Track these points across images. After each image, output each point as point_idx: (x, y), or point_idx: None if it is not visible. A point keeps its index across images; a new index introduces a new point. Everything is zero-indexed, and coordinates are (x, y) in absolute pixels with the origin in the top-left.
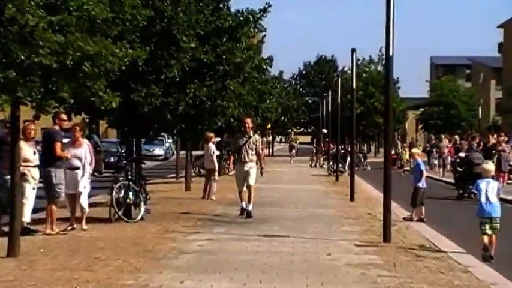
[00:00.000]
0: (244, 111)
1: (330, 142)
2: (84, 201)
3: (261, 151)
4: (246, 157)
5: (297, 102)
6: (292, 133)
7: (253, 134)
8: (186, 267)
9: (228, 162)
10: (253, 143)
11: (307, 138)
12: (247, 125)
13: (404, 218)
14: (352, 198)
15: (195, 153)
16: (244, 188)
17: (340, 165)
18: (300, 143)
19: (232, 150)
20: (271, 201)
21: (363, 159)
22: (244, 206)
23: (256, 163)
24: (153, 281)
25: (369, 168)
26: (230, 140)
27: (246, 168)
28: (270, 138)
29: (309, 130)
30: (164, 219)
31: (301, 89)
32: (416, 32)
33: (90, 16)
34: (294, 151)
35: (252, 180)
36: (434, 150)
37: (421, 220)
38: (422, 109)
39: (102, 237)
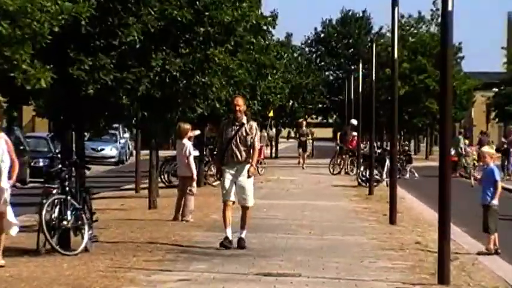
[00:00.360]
0: (235, 92)
1: (358, 137)
2: (11, 218)
3: (257, 144)
4: (238, 155)
5: (313, 80)
6: (304, 124)
7: (248, 121)
8: None
9: (212, 166)
10: (247, 133)
11: (327, 132)
12: (238, 108)
13: (480, 253)
14: (393, 220)
15: (163, 153)
16: (233, 199)
17: (375, 172)
18: (317, 139)
19: (217, 145)
20: (274, 224)
21: (405, 163)
22: (229, 234)
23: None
24: None
25: (417, 175)
26: (214, 135)
27: (237, 173)
28: (273, 131)
29: (330, 120)
30: (118, 251)
31: (318, 60)
32: None
33: None
34: (307, 151)
35: (248, 199)
36: None
37: (494, 252)
38: (495, 89)
39: (27, 277)
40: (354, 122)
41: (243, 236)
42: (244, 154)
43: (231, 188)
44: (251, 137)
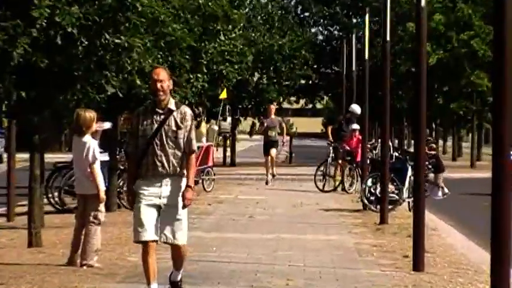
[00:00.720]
0: (168, 59)
1: (363, 133)
2: None
3: (193, 147)
4: (163, 165)
5: (291, 40)
6: (273, 110)
7: (178, 106)
8: None
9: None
10: (178, 125)
11: (314, 124)
12: (159, 85)
13: None
14: (419, 266)
15: (52, 158)
16: (155, 238)
17: (390, 187)
18: (299, 135)
19: (128, 148)
20: (229, 270)
21: (432, 174)
22: (154, 287)
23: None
24: None
25: (446, 191)
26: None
27: (161, 193)
28: (228, 123)
29: (319, 105)
30: None
31: (300, 10)
32: None
33: None
34: (283, 152)
35: (178, 235)
36: None
37: None
38: None
39: None
40: (356, 108)
41: (177, 279)
42: (174, 163)
43: (151, 220)
44: (185, 134)
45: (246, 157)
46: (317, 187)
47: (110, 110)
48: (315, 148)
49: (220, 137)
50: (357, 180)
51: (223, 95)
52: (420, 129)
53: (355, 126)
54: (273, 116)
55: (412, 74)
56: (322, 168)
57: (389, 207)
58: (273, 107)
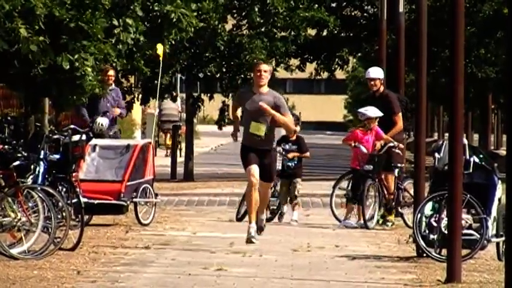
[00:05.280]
0: None
1: (398, 121)
2: None
3: None
4: None
5: None
6: (264, 72)
7: None
8: None
9: None
10: None
11: (333, 107)
12: None
13: None
14: None
15: None
16: None
17: (466, 218)
18: (306, 125)
19: None
20: None
21: None
22: None
23: None
24: None
25: None
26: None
27: None
28: (178, 104)
29: (341, 74)
30: None
31: None
32: None
33: None
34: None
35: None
36: None
37: None
38: None
39: None
40: (376, 72)
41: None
42: None
43: None
44: None
45: (212, 165)
46: (335, 216)
47: None
48: (332, 148)
49: (165, 129)
50: (379, 206)
51: (159, 50)
52: None
53: (371, 110)
54: (263, 90)
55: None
56: (344, 184)
57: (464, 252)
58: (266, 69)
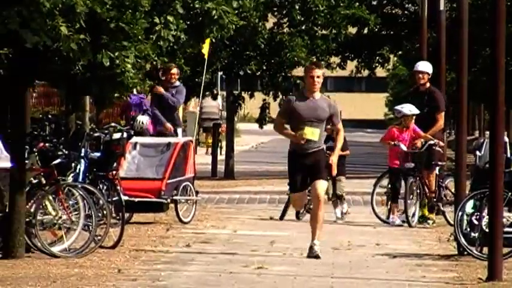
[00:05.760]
0: None
1: (441, 119)
2: None
3: None
4: None
5: None
6: (316, 74)
7: None
8: None
9: None
10: None
11: (374, 105)
12: None
13: None
14: None
15: None
16: None
17: (508, 217)
18: (346, 123)
19: None
20: None
21: None
22: None
23: None
24: None
25: None
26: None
27: None
28: (219, 103)
29: (381, 72)
30: None
31: None
32: None
33: None
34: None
35: None
36: None
37: None
38: None
39: None
40: (425, 65)
41: None
42: None
43: None
44: None
45: (252, 163)
46: (376, 215)
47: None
48: (372, 146)
49: (206, 128)
50: (420, 204)
51: (205, 49)
52: None
53: (407, 108)
54: (316, 96)
55: None
56: (384, 182)
57: (505, 250)
58: (319, 75)
